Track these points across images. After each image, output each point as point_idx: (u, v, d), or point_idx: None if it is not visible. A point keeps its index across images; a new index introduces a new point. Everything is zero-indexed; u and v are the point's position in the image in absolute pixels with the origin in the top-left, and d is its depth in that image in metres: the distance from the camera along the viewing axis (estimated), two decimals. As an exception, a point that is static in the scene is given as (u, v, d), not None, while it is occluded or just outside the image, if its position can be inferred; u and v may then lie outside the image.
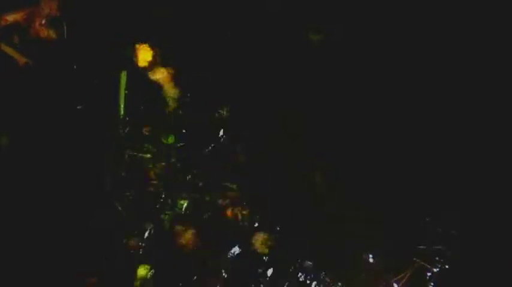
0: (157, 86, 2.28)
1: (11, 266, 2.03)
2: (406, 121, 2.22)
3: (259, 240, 2.09)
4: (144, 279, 2.04)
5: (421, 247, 2.07)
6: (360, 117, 2.23)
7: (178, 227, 2.11)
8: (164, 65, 2.30)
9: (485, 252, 2.07)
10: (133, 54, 2.28)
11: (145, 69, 2.28)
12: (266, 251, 2.07)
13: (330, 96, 2.25)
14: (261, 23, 2.33)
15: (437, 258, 2.06)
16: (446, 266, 2.06)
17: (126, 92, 2.24)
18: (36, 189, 2.11)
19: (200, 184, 2.17)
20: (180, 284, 2.04)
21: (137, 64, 2.28)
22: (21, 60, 2.23)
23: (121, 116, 2.22)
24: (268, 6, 2.34)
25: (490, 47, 2.28)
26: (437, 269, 2.05)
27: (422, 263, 2.05)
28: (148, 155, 2.19)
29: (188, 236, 2.10)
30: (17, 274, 2.02)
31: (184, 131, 2.23)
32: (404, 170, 2.16)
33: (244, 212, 2.12)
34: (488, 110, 2.23)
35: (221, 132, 2.22)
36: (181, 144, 2.22)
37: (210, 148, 2.21)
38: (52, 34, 2.26)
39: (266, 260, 2.07)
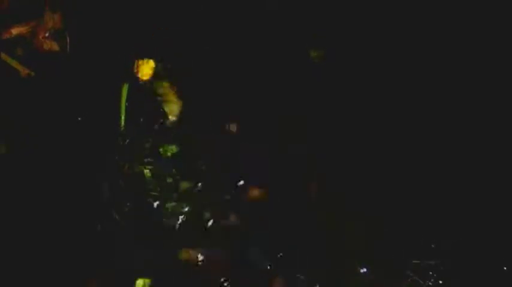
0: (158, 99, 2.30)
1: (9, 272, 2.05)
2: (405, 137, 2.24)
3: (256, 251, 2.11)
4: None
5: (415, 261, 2.09)
6: (360, 127, 2.26)
7: (178, 238, 2.13)
8: (165, 78, 2.32)
9: (479, 267, 2.09)
10: (135, 67, 2.31)
11: (146, 82, 2.31)
12: (264, 261, 2.09)
13: (332, 104, 2.28)
14: (262, 31, 2.36)
15: (430, 273, 2.08)
16: (440, 282, 2.07)
17: (127, 104, 2.26)
18: (34, 198, 2.13)
19: (200, 195, 2.18)
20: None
21: (139, 77, 2.31)
22: (24, 71, 2.25)
23: (122, 128, 2.25)
24: (268, 5, 2.37)
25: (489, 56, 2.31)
26: (431, 284, 2.07)
27: (415, 278, 2.07)
28: (148, 167, 2.21)
29: (188, 247, 2.12)
30: (14, 279, 2.04)
31: (184, 142, 2.26)
32: (399, 185, 2.18)
33: (244, 222, 2.14)
34: (489, 125, 2.25)
35: (222, 143, 2.25)
36: (182, 155, 2.24)
37: (210, 159, 2.23)
38: (55, 46, 2.29)
39: (263, 270, 2.08)
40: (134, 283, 2.05)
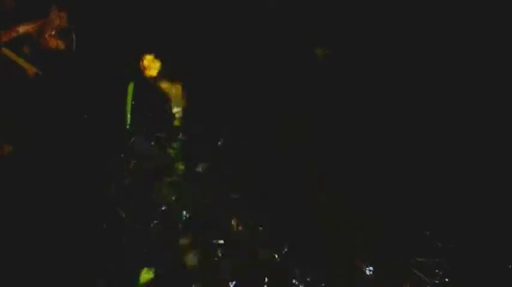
0: (164, 97, 2.31)
1: (13, 272, 2.06)
2: (406, 135, 2.24)
3: (261, 250, 2.11)
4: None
5: (420, 259, 2.08)
6: (361, 127, 2.25)
7: (182, 234, 2.14)
8: (171, 76, 2.33)
9: (484, 265, 2.08)
10: (141, 66, 2.32)
11: (152, 80, 2.32)
12: (267, 260, 2.10)
13: (332, 104, 2.28)
14: (262, 27, 2.36)
15: (436, 271, 2.07)
16: (446, 279, 2.06)
17: (133, 102, 2.28)
18: (40, 195, 2.15)
19: (204, 194, 2.19)
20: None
21: (145, 75, 2.32)
22: (31, 70, 2.27)
23: (127, 126, 2.26)
24: (268, 5, 2.38)
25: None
26: (436, 282, 2.06)
27: (420, 275, 2.06)
28: (153, 164, 2.22)
29: (191, 244, 2.13)
30: (20, 278, 2.06)
31: (189, 141, 2.26)
32: (404, 182, 2.17)
33: (246, 222, 2.15)
34: (490, 124, 2.24)
35: (226, 142, 2.25)
36: (187, 153, 2.25)
37: (215, 157, 2.24)
38: (61, 45, 2.31)
39: (266, 270, 2.09)
40: (139, 276, 2.07)
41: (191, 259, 2.10)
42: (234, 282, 2.06)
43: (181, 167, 2.22)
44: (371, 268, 2.07)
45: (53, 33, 2.30)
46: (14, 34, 2.27)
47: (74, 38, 2.32)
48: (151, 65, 2.32)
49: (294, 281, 2.06)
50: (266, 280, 2.06)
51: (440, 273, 2.07)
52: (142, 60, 2.31)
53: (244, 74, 2.33)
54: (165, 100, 2.30)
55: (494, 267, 2.07)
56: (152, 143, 2.25)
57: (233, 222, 2.15)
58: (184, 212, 2.16)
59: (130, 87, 2.28)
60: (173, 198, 2.18)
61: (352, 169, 2.19)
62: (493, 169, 2.17)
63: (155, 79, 2.32)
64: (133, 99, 2.28)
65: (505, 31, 2.29)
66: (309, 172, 2.19)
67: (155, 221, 2.15)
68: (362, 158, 2.20)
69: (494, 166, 2.17)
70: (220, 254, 2.10)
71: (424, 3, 2.35)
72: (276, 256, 2.09)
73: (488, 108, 2.25)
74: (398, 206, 2.15)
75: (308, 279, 2.06)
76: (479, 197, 2.15)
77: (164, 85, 2.32)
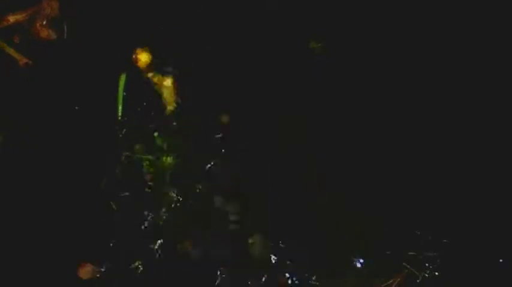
0: (155, 89, 2.30)
1: (5, 263, 2.06)
2: (402, 131, 2.25)
3: (255, 242, 2.11)
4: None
5: (411, 253, 2.10)
6: (360, 128, 2.26)
7: (175, 227, 2.13)
8: (164, 68, 2.32)
9: (475, 259, 2.10)
10: (133, 57, 2.30)
11: (144, 72, 2.31)
12: (261, 253, 2.10)
13: (332, 104, 2.28)
14: (262, 27, 2.36)
15: (427, 264, 2.09)
16: (436, 273, 2.08)
17: (125, 93, 2.26)
18: (32, 188, 2.14)
19: (197, 186, 2.19)
20: (176, 282, 2.06)
21: (137, 67, 2.30)
22: (22, 60, 2.25)
23: (119, 118, 2.25)
24: (268, 5, 2.37)
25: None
26: (427, 276, 2.08)
27: (412, 269, 2.08)
28: (145, 157, 2.21)
29: (185, 236, 2.12)
30: (13, 271, 2.05)
31: (181, 133, 2.26)
32: (396, 178, 2.19)
33: (242, 214, 2.15)
34: (485, 121, 2.25)
35: (219, 136, 2.25)
36: (179, 146, 2.24)
37: (208, 150, 2.23)
38: (52, 34, 2.28)
39: (260, 262, 2.09)
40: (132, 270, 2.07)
41: (186, 250, 2.10)
42: (232, 282, 2.07)
43: (173, 158, 2.21)
44: (362, 262, 2.08)
45: (44, 22, 2.28)
46: (4, 23, 2.25)
47: (66, 27, 2.30)
48: (144, 56, 2.30)
49: (294, 280, 2.07)
50: (266, 279, 2.07)
51: (431, 267, 2.08)
52: (135, 51, 2.30)
53: (243, 74, 2.32)
54: (157, 91, 2.29)
55: (485, 261, 2.09)
56: (144, 134, 2.24)
57: (229, 215, 2.15)
58: (178, 204, 2.16)
59: (122, 79, 2.27)
60: (166, 189, 2.17)
61: (352, 169, 2.19)
62: (482, 169, 2.19)
63: (147, 70, 2.30)
64: (125, 90, 2.26)
65: (504, 31, 2.30)
66: (309, 172, 2.19)
67: (147, 214, 2.14)
68: (361, 158, 2.21)
69: (483, 166, 2.19)
70: (216, 247, 2.11)
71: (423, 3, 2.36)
72: (276, 255, 2.09)
73: (484, 109, 2.26)
74: (391, 201, 2.16)
75: (299, 272, 2.07)
76: (470, 194, 2.17)
77: (156, 76, 2.30)
